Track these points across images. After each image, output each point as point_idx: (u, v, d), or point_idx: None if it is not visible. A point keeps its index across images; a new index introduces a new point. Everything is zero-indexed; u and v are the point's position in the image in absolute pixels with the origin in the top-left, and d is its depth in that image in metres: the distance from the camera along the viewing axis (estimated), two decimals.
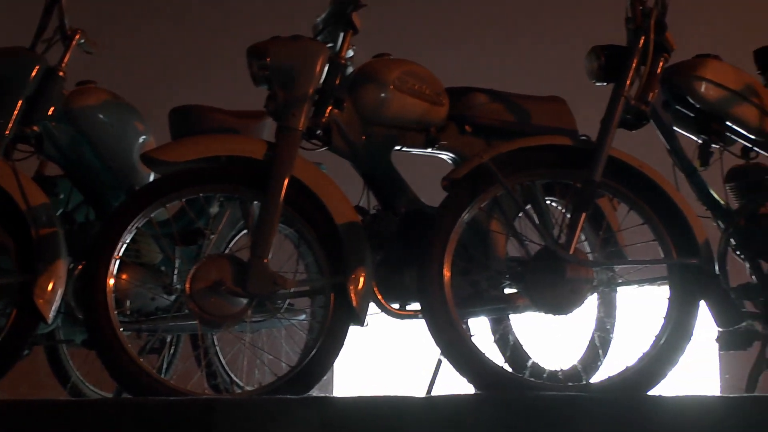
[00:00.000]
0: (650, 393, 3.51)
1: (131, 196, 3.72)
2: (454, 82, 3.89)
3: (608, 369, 3.85)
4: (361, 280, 3.53)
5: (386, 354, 5.75)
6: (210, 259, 3.56)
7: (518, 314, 3.72)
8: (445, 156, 3.88)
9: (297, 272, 3.72)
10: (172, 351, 4.44)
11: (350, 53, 3.69)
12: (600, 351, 3.95)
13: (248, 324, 3.67)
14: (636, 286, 3.70)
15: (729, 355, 4.46)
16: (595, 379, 3.83)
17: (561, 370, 3.84)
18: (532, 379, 3.64)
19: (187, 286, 3.49)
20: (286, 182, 3.51)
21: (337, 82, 3.63)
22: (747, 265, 3.77)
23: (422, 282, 3.47)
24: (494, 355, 3.91)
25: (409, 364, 5.41)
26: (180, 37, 6.48)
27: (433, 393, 3.83)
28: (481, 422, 3.07)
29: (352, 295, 3.51)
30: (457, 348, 3.44)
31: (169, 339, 4.38)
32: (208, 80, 6.23)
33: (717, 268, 3.64)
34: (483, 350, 3.48)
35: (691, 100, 3.76)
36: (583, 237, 3.88)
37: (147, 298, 4.04)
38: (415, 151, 3.83)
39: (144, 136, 4.21)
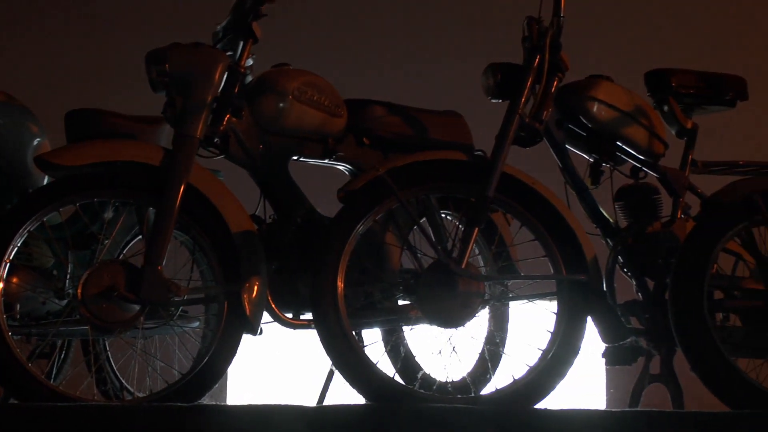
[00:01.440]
0: (537, 406, 3.56)
1: (24, 199, 3.68)
2: (353, 94, 3.91)
3: (498, 382, 3.90)
4: (255, 288, 3.53)
5: (279, 363, 5.74)
6: (103, 264, 3.53)
7: (410, 326, 3.76)
8: (342, 167, 3.90)
9: (191, 279, 3.71)
10: (62, 356, 4.39)
11: (250, 62, 3.69)
12: (489, 364, 4.00)
13: (140, 330, 3.65)
14: (526, 300, 3.75)
15: (615, 370, 4.55)
16: (484, 391, 3.87)
17: (450, 382, 3.87)
18: (421, 390, 3.67)
19: (79, 290, 3.46)
20: (182, 189, 3.50)
21: (236, 90, 3.63)
22: (633, 282, 3.83)
23: (315, 292, 3.48)
24: (386, 365, 3.94)
25: (302, 374, 5.41)
26: (77, 38, 6.41)
27: (325, 403, 3.84)
28: None
29: (246, 303, 3.51)
30: (348, 358, 3.45)
31: (59, 344, 4.32)
32: (106, 83, 6.16)
33: (604, 284, 3.70)
34: (374, 361, 3.51)
35: (584, 120, 3.81)
36: (476, 251, 3.93)
37: (38, 302, 3.99)
38: (312, 161, 3.84)
39: (38, 139, 4.16)
